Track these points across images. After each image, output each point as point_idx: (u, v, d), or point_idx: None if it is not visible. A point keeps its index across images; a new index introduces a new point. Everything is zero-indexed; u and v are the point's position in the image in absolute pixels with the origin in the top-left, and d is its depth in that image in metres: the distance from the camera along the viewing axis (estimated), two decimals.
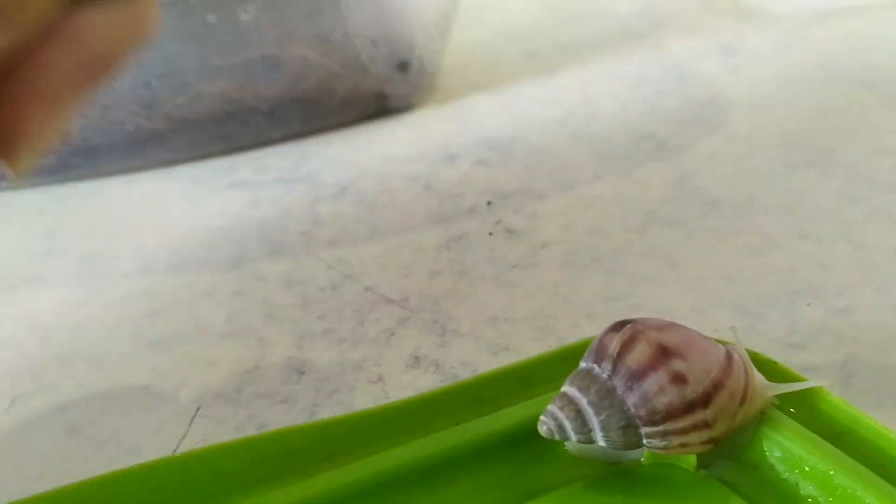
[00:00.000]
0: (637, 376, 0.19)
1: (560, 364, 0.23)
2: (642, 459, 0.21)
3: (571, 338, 0.26)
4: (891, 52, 0.41)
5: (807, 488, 0.20)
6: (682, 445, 0.19)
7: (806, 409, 0.21)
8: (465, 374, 0.25)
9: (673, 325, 0.20)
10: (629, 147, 0.35)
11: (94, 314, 0.29)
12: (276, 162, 0.36)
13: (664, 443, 0.19)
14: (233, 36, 0.33)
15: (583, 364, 0.20)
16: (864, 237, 0.29)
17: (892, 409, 0.22)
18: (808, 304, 0.26)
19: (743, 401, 0.20)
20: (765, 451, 0.20)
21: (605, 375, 0.19)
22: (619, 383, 0.19)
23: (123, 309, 0.29)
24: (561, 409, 0.20)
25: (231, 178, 0.35)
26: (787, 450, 0.20)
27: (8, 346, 0.28)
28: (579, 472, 0.21)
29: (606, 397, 0.19)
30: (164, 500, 0.20)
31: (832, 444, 0.20)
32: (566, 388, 0.20)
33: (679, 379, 0.19)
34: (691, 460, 0.21)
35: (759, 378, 0.21)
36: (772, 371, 0.21)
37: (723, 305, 0.27)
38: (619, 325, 0.20)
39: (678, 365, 0.19)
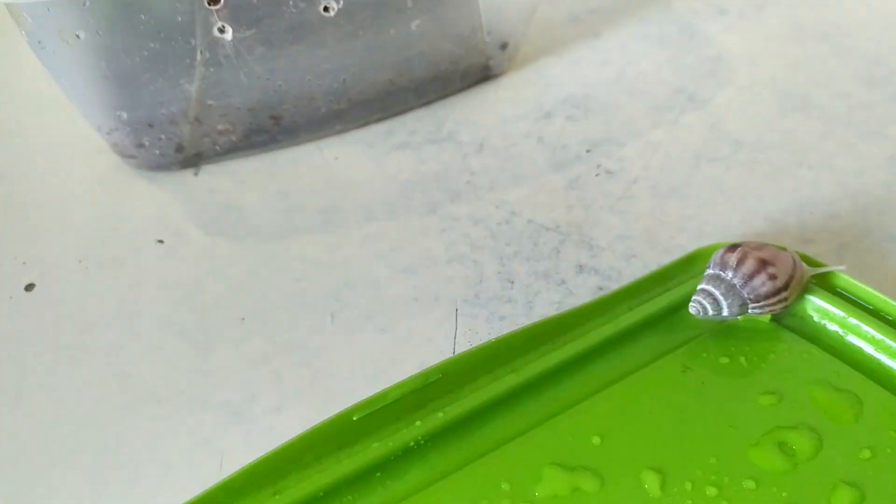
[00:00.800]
0: (749, 277, 0.35)
1: (681, 267, 0.39)
2: (739, 318, 0.37)
3: (673, 246, 0.42)
4: (842, 6, 0.57)
5: (832, 326, 0.36)
6: (770, 310, 0.36)
7: (823, 281, 0.38)
8: (614, 275, 0.41)
9: (765, 246, 0.36)
10: (670, 100, 0.50)
11: (351, 253, 0.43)
12: (421, 125, 0.50)
13: (761, 311, 0.35)
14: (403, 42, 0.46)
15: (710, 270, 0.36)
16: (838, 164, 0.46)
17: (872, 275, 0.39)
18: (811, 213, 0.43)
19: (800, 282, 0.36)
20: (806, 307, 0.37)
21: (728, 277, 0.35)
22: (737, 282, 0.35)
23: (369, 247, 0.43)
24: (704, 298, 0.36)
25: (393, 140, 0.49)
26: (817, 304, 0.37)
27: (303, 280, 0.42)
28: (705, 327, 0.37)
29: (731, 290, 0.35)
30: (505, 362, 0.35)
31: (843, 301, 0.37)
32: (705, 285, 0.36)
33: (773, 277, 0.35)
34: (767, 318, 0.37)
35: (805, 266, 0.37)
36: (808, 261, 0.38)
37: (759, 217, 0.43)
38: (732, 248, 0.36)
39: (772, 270, 0.35)
